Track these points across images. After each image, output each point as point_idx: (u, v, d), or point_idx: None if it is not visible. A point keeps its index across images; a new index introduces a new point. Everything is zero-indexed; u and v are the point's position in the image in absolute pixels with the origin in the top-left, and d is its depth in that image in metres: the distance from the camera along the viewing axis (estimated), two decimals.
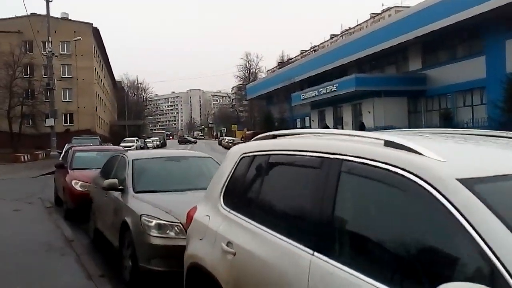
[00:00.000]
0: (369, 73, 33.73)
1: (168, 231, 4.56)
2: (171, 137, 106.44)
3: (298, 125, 46.16)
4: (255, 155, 2.96)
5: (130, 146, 42.59)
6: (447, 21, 25.16)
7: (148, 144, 52.16)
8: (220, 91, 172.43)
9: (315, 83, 39.16)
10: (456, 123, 24.20)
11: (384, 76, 31.47)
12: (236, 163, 3.10)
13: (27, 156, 29.80)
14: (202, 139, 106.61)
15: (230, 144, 51.77)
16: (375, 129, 29.42)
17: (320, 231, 2.15)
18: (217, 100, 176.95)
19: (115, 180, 5.71)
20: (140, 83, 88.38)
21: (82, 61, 47.90)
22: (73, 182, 8.71)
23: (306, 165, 2.44)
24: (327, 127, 34.94)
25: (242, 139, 46.83)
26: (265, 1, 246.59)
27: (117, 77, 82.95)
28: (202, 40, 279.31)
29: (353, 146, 2.19)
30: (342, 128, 34.25)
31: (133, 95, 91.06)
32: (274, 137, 3.06)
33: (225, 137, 65.11)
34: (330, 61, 37.91)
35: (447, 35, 26.71)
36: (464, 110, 26.60)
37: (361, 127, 29.93)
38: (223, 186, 3.14)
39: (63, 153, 19.60)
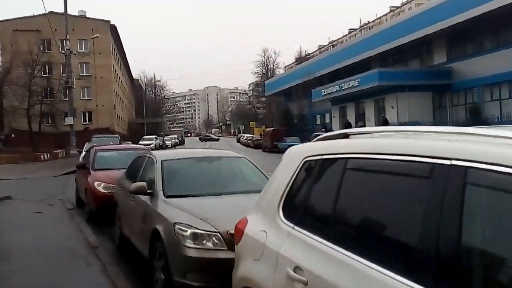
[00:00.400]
0: (392, 67, 32.77)
1: (205, 242, 4.12)
2: (189, 135, 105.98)
3: (318, 121, 45.47)
4: (324, 159, 2.41)
5: (149, 144, 42.57)
6: (475, 11, 24.24)
7: (166, 142, 51.95)
8: (237, 87, 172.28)
9: (335, 79, 38.35)
10: (484, 118, 23.21)
11: (408, 70, 30.54)
12: (298, 168, 2.56)
13: (47, 155, 29.81)
14: (220, 136, 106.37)
15: (248, 141, 51.45)
16: (399, 125, 28.67)
17: (441, 266, 1.58)
18: (234, 97, 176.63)
19: (144, 183, 5.29)
20: (158, 81, 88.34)
21: (100, 59, 47.93)
22: (96, 183, 8.28)
23: (406, 173, 1.87)
24: (349, 124, 34.22)
25: (261, 136, 46.35)
26: None
27: (134, 75, 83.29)
28: (218, 36, 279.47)
29: (483, 148, 1.61)
30: (364, 125, 33.47)
31: (151, 93, 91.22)
32: (347, 136, 2.50)
33: (243, 134, 64.56)
34: (351, 55, 37.16)
35: (475, 26, 25.72)
36: (491, 104, 25.57)
37: (384, 122, 29.10)
38: (282, 196, 2.61)
39: (83, 153, 19.41)
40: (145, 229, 4.96)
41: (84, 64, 48.09)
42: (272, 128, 40.89)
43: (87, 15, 50.17)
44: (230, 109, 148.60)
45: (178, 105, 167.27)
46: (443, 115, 29.42)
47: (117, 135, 27.49)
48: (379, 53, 34.02)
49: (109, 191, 7.62)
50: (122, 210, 6.39)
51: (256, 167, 5.89)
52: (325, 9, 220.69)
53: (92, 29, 43.32)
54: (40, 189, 13.98)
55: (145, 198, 5.23)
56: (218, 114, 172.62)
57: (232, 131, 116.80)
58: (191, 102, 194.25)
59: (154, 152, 6.42)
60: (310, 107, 42.48)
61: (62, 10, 31.28)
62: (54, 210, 9.72)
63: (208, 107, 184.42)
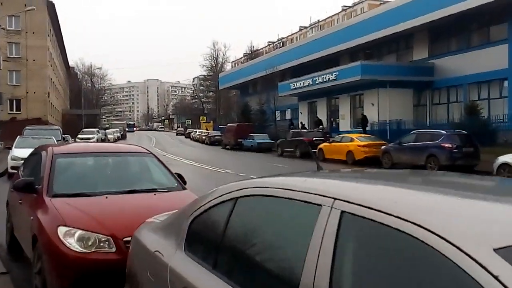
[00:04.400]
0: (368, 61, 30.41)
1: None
2: (135, 129, 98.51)
3: (279, 117, 42.63)
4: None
5: (90, 139, 37.40)
6: (464, 5, 22.40)
7: (108, 136, 46.75)
8: (179, 81, 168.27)
9: (298, 73, 36.03)
10: (482, 118, 21.30)
11: (392, 65, 28.34)
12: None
13: None
14: (163, 131, 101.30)
15: (203, 137, 47.41)
16: (379, 123, 26.45)
17: None
18: (176, 91, 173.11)
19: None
20: (99, 68, 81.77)
21: (33, 39, 41.57)
22: (61, 230, 3.84)
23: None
24: (320, 121, 31.63)
25: (222, 132, 42.47)
26: None
27: (70, 62, 75.96)
28: (157, 27, 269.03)
29: None
30: (338, 122, 30.98)
31: (88, 82, 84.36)
32: None
33: (195, 130, 60.28)
34: (318, 49, 34.75)
35: (461, 21, 23.98)
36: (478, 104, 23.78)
37: (364, 120, 26.70)
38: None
39: (13, 151, 14.74)
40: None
41: (13, 44, 41.52)
42: (235, 124, 37.19)
43: None
44: (172, 103, 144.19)
45: (115, 97, 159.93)
46: (422, 114, 27.57)
47: (58, 127, 22.41)
48: (349, 48, 31.81)
49: (93, 249, 3.73)
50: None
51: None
52: (272, 5, 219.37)
53: (25, 5, 37.09)
54: None
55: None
56: (158, 107, 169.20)
57: (176, 125, 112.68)
58: (130, 95, 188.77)
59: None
60: (273, 102, 39.38)
61: None
62: None
63: (148, 100, 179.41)
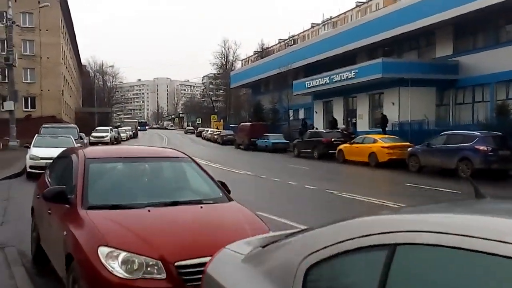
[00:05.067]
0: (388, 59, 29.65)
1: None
2: (146, 127, 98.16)
3: (292, 116, 41.97)
4: None
5: (103, 137, 37.20)
6: (486, 1, 21.59)
7: (121, 134, 46.51)
8: (188, 80, 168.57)
9: (312, 71, 35.33)
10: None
11: (414, 62, 27.43)
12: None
13: None
14: (173, 129, 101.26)
15: (215, 136, 46.92)
16: (400, 123, 25.70)
17: None
18: (185, 90, 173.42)
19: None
20: (111, 66, 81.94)
21: (47, 36, 41.37)
22: (104, 251, 3.32)
23: None
24: (335, 120, 30.96)
25: (236, 131, 41.88)
26: None
27: (82, 60, 76.01)
28: (167, 26, 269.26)
29: None
30: (354, 122, 30.27)
31: (99, 80, 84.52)
32: None
33: (207, 129, 59.82)
34: (334, 46, 34.01)
35: (489, 15, 23.09)
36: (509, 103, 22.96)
37: (384, 120, 25.92)
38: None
39: (36, 156, 14.16)
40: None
41: (27, 42, 41.35)
42: (249, 123, 36.66)
43: None
44: (182, 101, 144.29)
45: (125, 95, 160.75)
46: (444, 114, 26.76)
47: (75, 126, 21.97)
48: (367, 45, 31.04)
49: (140, 275, 3.23)
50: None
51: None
52: (282, 3, 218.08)
53: (39, 1, 36.92)
54: None
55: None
56: (168, 106, 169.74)
57: (186, 124, 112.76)
58: (140, 93, 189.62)
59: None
60: (287, 100, 38.74)
61: None
62: None
63: (157, 98, 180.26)
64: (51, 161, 13.50)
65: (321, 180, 14.44)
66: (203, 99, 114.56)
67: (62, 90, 43.77)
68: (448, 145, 14.66)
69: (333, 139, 22.96)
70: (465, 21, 24.63)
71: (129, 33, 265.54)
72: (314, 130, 28.08)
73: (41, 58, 41.12)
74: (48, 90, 41.38)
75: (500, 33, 24.18)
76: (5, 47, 29.39)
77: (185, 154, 5.14)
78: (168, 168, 4.95)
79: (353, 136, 23.41)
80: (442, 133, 15.75)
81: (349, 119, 30.79)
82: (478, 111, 24.57)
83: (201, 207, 4.07)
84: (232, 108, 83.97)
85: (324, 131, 25.76)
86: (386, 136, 20.09)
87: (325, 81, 31.13)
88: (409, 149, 16.96)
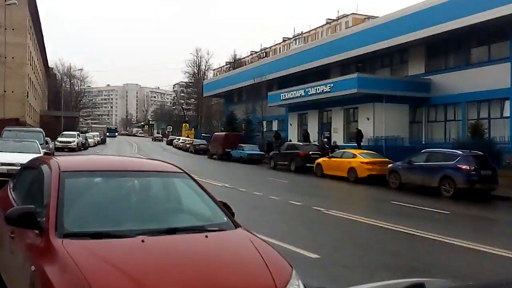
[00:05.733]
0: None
1: None
2: (116, 134, 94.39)
3: (265, 128, 41.73)
4: None
5: (70, 142, 35.75)
6: (463, 21, 22.15)
7: (89, 140, 44.92)
8: (158, 87, 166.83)
9: (286, 83, 35.62)
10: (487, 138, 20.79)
11: (389, 79, 27.78)
12: None
13: None
14: (143, 136, 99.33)
15: (187, 145, 46.01)
16: (375, 138, 25.83)
17: None
18: (155, 97, 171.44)
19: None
20: (81, 69, 79.74)
21: (13, 36, 39.49)
22: None
23: None
24: (307, 134, 30.93)
25: (209, 140, 41.24)
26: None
27: (50, 62, 73.53)
28: (138, 32, 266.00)
29: None
30: (330, 136, 30.25)
31: (66, 84, 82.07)
32: None
33: (178, 137, 58.83)
34: (308, 60, 34.26)
35: (460, 37, 23.72)
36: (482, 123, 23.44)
37: (358, 134, 25.99)
38: None
39: (3, 168, 12.76)
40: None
41: None
42: (223, 133, 36.04)
43: None
44: (152, 109, 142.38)
45: (94, 100, 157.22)
46: (417, 131, 27.12)
47: (41, 130, 20.73)
48: (340, 60, 31.37)
49: None
50: None
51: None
52: (254, 16, 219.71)
53: (5, 1, 35.32)
54: None
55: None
56: (137, 113, 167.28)
57: (156, 131, 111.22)
58: (109, 98, 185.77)
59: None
60: (261, 111, 38.48)
61: None
62: None
63: (126, 105, 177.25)
64: (13, 167, 12.76)
65: (304, 195, 14.06)
66: (174, 107, 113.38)
67: (27, 92, 41.90)
68: (429, 163, 14.61)
69: (310, 152, 22.73)
70: (437, 41, 25.23)
71: (98, 37, 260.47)
72: (291, 142, 27.79)
73: (5, 58, 39.16)
74: (12, 92, 39.47)
75: (470, 55, 24.84)
76: None
77: (179, 168, 4.30)
78: (160, 184, 4.13)
79: (336, 149, 23.21)
80: (422, 151, 15.74)
81: (323, 133, 30.71)
82: (450, 129, 25.02)
83: (206, 236, 3.30)
84: (204, 117, 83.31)
85: (301, 143, 25.51)
86: (366, 151, 20.01)
87: (300, 94, 31.07)
88: (390, 165, 16.87)
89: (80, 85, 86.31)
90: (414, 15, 25.20)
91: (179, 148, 48.64)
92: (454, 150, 14.68)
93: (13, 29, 39.59)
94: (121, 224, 3.40)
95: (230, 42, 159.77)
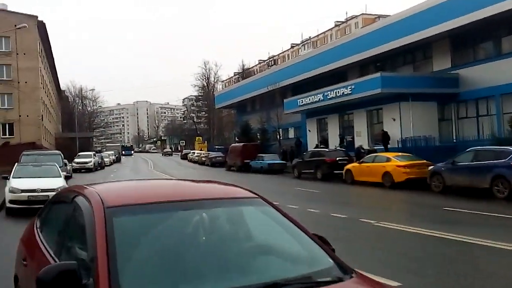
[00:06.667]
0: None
1: None
2: (132, 151, 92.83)
3: (282, 135, 40.83)
4: None
5: (86, 162, 35.29)
6: (491, 10, 21.03)
7: (105, 159, 44.48)
8: (168, 103, 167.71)
9: (300, 89, 34.76)
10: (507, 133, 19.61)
11: (415, 76, 26.67)
12: None
13: None
14: (156, 152, 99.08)
15: (202, 158, 45.27)
16: (404, 140, 24.68)
17: None
18: (165, 112, 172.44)
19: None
20: (92, 89, 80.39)
21: (24, 60, 39.48)
22: None
23: None
24: (326, 140, 29.97)
25: (227, 152, 40.46)
26: (214, 9, 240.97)
27: (61, 85, 73.85)
28: (142, 49, 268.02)
29: None
30: (352, 140, 29.16)
31: (79, 105, 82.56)
32: None
33: (193, 151, 58.21)
34: (323, 63, 33.40)
35: (489, 26, 22.53)
36: None
37: (384, 136, 24.88)
38: None
39: (16, 188, 11.90)
40: None
41: (4, 67, 39.42)
42: (241, 144, 35.21)
43: (9, 9, 41.61)
44: (162, 124, 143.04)
45: (105, 119, 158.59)
46: (447, 129, 25.90)
47: (59, 152, 20.07)
48: (358, 61, 30.41)
49: None
50: None
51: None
52: (260, 24, 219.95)
53: (15, 25, 35.23)
54: None
55: None
56: (149, 129, 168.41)
57: (169, 146, 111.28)
58: (120, 117, 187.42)
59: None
60: (276, 119, 37.62)
61: None
62: None
63: (138, 122, 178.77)
64: (34, 193, 11.98)
65: (342, 205, 13.03)
66: (185, 121, 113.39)
67: (42, 115, 41.68)
68: (477, 162, 13.48)
69: (337, 159, 21.67)
70: (463, 33, 24.06)
71: (104, 57, 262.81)
72: (316, 149, 26.68)
73: (18, 82, 39.13)
74: (27, 116, 39.30)
75: (501, 44, 23.59)
76: None
77: (251, 191, 3.29)
78: (234, 216, 3.10)
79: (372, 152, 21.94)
80: (468, 149, 14.59)
81: (345, 137, 29.61)
82: (483, 125, 23.78)
83: None
84: (215, 129, 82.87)
85: (327, 150, 24.47)
86: (399, 154, 18.88)
87: (319, 98, 30.10)
88: (430, 167, 15.71)
89: (92, 106, 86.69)
90: (436, 7, 24.10)
91: (195, 162, 47.93)
92: (505, 147, 13.50)
93: (24, 54, 39.56)
94: (199, 281, 2.43)
95: (236, 53, 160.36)
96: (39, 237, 3.58)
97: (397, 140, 24.44)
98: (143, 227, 2.72)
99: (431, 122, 25.43)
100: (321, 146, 29.16)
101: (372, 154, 20.01)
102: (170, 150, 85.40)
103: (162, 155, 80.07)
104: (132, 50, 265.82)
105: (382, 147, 24.45)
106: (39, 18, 40.97)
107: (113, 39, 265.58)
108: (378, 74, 25.26)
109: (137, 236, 2.64)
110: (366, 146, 25.86)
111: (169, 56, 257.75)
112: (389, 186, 16.84)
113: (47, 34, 45.02)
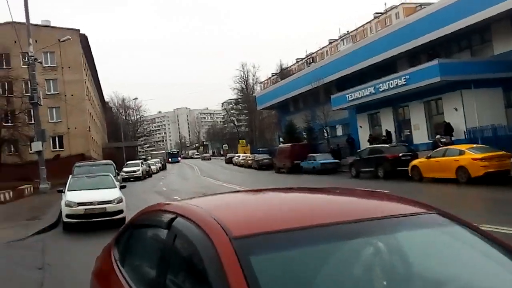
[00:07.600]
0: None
1: None
2: (179, 158, 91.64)
3: (329, 133, 39.36)
4: None
5: (135, 171, 35.34)
6: None
7: (152, 167, 44.62)
8: (207, 108, 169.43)
9: (345, 85, 33.08)
10: None
11: (475, 61, 24.67)
12: None
13: (9, 194, 21.84)
14: (199, 158, 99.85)
15: (249, 161, 44.52)
16: (468, 131, 22.77)
17: None
18: (204, 118, 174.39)
19: None
20: (135, 98, 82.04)
21: (69, 74, 40.25)
22: None
23: None
24: (389, 133, 28.03)
25: (273, 154, 39.52)
26: (249, 11, 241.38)
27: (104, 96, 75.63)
28: (176, 55, 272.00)
29: None
30: (410, 134, 27.40)
31: (122, 114, 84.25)
32: None
33: (238, 154, 57.70)
34: (370, 55, 31.57)
35: None
36: None
37: (448, 128, 23.07)
38: None
39: (72, 202, 11.26)
40: None
41: (51, 81, 40.29)
42: (289, 144, 34.13)
43: (52, 24, 42.57)
44: (203, 129, 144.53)
45: (147, 128, 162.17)
46: None
47: (111, 162, 19.78)
48: (407, 50, 28.51)
49: None
50: None
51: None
52: (294, 22, 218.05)
53: (59, 40, 35.85)
54: None
55: None
56: (190, 135, 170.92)
57: (211, 151, 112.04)
58: (161, 125, 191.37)
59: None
60: (323, 117, 36.22)
61: (19, 19, 25.05)
62: None
63: (179, 128, 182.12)
64: (91, 206, 11.39)
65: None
66: (225, 125, 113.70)
67: (89, 127, 42.36)
68: None
69: (400, 155, 20.13)
70: None
71: (142, 66, 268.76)
72: (377, 146, 24.82)
73: (65, 95, 39.90)
74: (75, 128, 39.99)
75: None
76: (29, 87, 28.11)
77: (429, 205, 2.32)
78: (415, 242, 2.09)
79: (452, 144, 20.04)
80: None
81: (402, 131, 27.86)
82: None
83: None
84: (257, 131, 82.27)
85: (387, 146, 22.93)
86: (473, 145, 17.19)
87: (370, 92, 28.52)
88: None
89: (136, 115, 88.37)
90: None
91: (240, 165, 47.24)
92: None
93: (69, 67, 40.30)
94: None
95: (272, 55, 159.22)
96: (122, 274, 2.67)
97: (464, 131, 22.55)
98: (289, 268, 1.77)
99: (497, 109, 23.39)
100: (383, 141, 27.20)
101: (442, 148, 18.37)
102: (208, 154, 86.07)
103: (202, 159, 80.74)
104: (169, 58, 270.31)
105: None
106: (82, 31, 41.74)
107: (148, 47, 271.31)
108: (435, 61, 23.49)
109: (283, 282, 1.71)
110: (425, 140, 24.12)
111: (206, 62, 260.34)
112: (464, 182, 15.24)
113: (89, 46, 45.81)
